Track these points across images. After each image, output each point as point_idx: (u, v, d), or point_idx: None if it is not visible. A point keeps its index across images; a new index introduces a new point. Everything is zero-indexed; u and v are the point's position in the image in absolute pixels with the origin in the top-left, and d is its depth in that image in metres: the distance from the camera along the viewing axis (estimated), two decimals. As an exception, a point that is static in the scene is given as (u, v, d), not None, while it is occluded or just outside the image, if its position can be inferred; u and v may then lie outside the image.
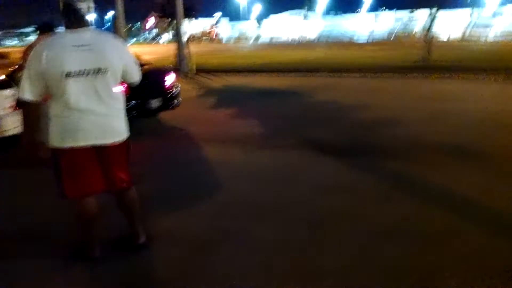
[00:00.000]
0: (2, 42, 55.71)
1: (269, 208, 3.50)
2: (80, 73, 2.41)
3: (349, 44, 31.10)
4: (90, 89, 2.45)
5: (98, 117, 2.50)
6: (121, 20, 12.60)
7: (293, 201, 3.63)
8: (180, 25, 14.38)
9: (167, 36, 43.73)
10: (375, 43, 29.26)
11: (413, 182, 3.97)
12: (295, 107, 8.08)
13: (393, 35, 38.47)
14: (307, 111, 7.68)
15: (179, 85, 7.11)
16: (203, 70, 14.82)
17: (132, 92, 6.21)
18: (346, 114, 7.24)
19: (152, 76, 6.97)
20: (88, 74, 2.43)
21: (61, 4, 2.49)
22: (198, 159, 4.99)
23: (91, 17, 2.58)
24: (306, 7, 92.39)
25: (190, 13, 14.96)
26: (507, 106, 7.32)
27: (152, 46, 41.72)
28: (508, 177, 3.98)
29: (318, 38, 44.10)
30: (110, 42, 2.58)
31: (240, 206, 3.55)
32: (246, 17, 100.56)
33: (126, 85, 6.12)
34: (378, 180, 4.03)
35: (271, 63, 15.76)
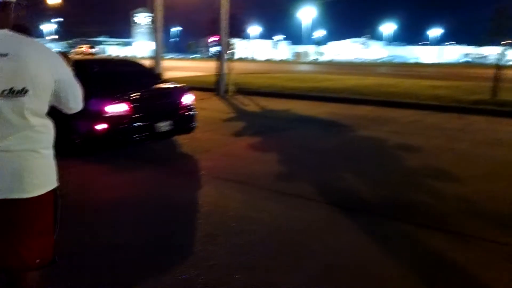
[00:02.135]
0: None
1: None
2: None
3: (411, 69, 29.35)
4: None
5: (10, 159, 1.65)
6: (159, 34, 12.23)
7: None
8: (224, 43, 13.83)
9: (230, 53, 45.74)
10: (438, 75, 27.23)
11: (465, 277, 2.75)
12: (331, 142, 6.96)
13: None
14: (344, 148, 6.53)
15: (195, 106, 6.26)
16: (244, 91, 14.00)
17: (138, 112, 5.45)
18: (390, 157, 6.01)
19: (165, 95, 6.20)
20: None
21: None
22: (186, 205, 3.99)
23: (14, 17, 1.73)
24: (368, 36, 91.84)
25: (237, 32, 14.37)
26: None
27: (210, 61, 41.84)
28: None
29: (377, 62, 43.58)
30: (36, 51, 1.68)
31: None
32: (306, 42, 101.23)
33: (131, 104, 5.46)
34: (415, 266, 2.85)
35: (318, 88, 14.59)
